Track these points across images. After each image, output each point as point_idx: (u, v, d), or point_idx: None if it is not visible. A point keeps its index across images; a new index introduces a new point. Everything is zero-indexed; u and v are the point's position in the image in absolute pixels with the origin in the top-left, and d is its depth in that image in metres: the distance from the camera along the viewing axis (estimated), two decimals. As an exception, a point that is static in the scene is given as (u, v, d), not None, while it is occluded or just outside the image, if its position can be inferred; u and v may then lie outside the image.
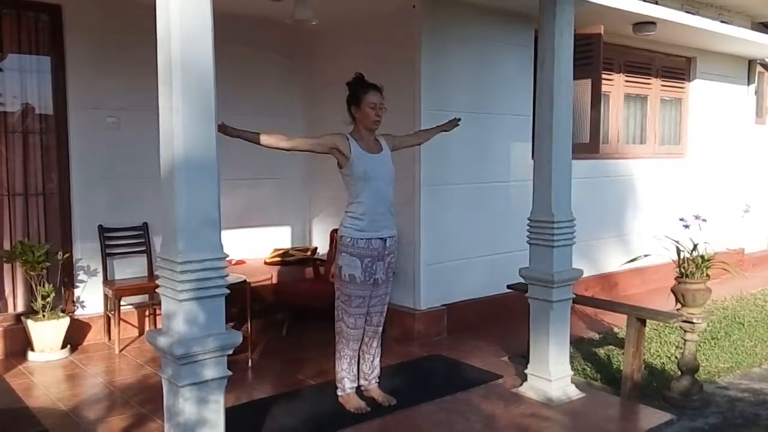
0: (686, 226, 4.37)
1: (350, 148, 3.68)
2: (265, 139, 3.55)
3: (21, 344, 4.82)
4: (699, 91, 7.88)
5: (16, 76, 4.95)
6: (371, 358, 3.97)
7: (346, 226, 3.74)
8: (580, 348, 5.06)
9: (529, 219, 4.10)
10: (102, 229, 5.22)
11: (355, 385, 3.91)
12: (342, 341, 3.83)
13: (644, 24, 6.24)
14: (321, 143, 3.70)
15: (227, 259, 2.72)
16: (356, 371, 3.92)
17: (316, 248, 6.29)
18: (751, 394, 4.32)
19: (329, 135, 3.72)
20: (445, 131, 4.22)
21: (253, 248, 6.03)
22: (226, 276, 2.71)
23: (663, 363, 4.81)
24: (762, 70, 8.71)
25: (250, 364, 4.70)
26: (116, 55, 5.15)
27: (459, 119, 4.22)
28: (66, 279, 5.10)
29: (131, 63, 5.08)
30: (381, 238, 3.75)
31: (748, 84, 8.56)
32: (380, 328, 3.96)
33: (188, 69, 2.56)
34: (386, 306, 3.95)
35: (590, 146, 5.95)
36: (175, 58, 2.54)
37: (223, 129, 3.26)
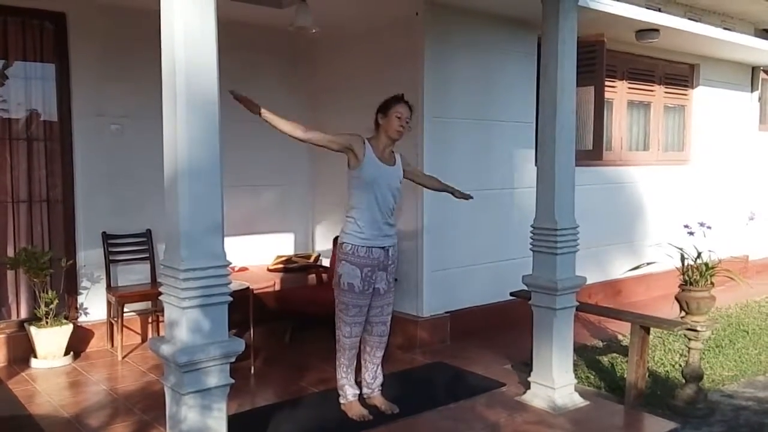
0: (691, 233, 4.36)
1: (365, 152, 3.67)
2: (283, 124, 3.46)
3: (24, 351, 4.82)
4: (702, 97, 7.87)
5: (21, 83, 4.97)
6: (374, 368, 3.96)
7: (347, 233, 3.73)
8: (584, 356, 5.04)
9: (532, 226, 4.09)
10: (105, 236, 5.23)
11: (357, 392, 3.90)
12: (340, 350, 3.82)
13: (647, 31, 6.25)
14: (338, 141, 3.66)
15: (230, 266, 2.72)
16: (355, 379, 3.90)
17: (319, 255, 6.29)
18: (755, 402, 4.30)
19: (347, 134, 3.70)
20: (455, 196, 4.12)
21: (256, 255, 6.03)
22: (229, 283, 2.71)
23: (667, 371, 4.79)
24: (765, 76, 8.70)
25: (252, 371, 4.69)
26: (120, 62, 5.17)
27: (472, 197, 4.14)
28: (69, 286, 5.11)
29: (135, 70, 5.10)
30: (382, 248, 3.74)
31: (752, 91, 8.55)
32: (385, 338, 3.94)
33: (192, 76, 2.56)
34: (390, 316, 3.93)
35: (593, 153, 5.95)
36: (179, 66, 2.54)
37: (244, 100, 3.26)
